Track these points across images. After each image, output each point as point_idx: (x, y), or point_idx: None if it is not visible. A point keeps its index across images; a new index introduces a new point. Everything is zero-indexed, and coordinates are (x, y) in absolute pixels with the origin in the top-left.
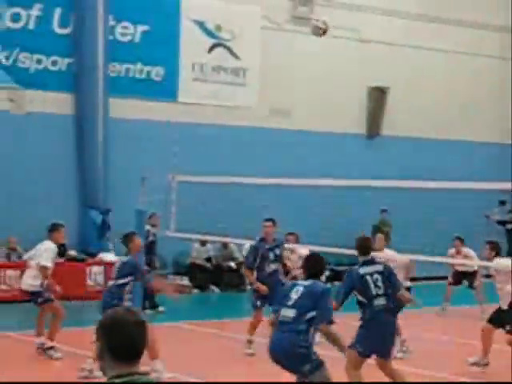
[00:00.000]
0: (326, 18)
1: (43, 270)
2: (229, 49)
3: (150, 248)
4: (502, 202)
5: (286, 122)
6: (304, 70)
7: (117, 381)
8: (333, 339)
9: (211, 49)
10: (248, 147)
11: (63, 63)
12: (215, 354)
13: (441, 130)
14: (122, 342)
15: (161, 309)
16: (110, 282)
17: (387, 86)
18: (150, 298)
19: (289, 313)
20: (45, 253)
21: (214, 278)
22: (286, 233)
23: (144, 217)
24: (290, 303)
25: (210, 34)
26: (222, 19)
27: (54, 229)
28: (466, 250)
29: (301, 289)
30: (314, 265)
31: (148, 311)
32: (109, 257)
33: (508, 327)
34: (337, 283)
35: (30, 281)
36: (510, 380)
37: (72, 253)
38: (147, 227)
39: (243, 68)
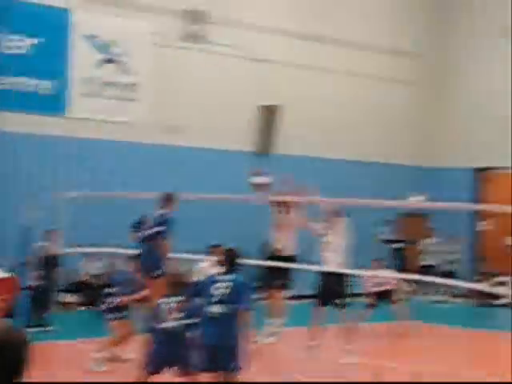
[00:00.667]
0: None
1: None
2: (120, 64)
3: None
4: (388, 222)
5: (178, 138)
6: (196, 87)
7: None
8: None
9: (102, 64)
10: (140, 163)
11: None
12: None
13: (331, 150)
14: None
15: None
16: None
17: (278, 105)
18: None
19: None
20: None
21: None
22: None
23: (29, 233)
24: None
25: (101, 48)
26: (114, 34)
27: None
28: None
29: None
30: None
31: (33, 329)
32: None
33: None
34: None
35: None
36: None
37: None
38: (41, 243)
39: (135, 83)
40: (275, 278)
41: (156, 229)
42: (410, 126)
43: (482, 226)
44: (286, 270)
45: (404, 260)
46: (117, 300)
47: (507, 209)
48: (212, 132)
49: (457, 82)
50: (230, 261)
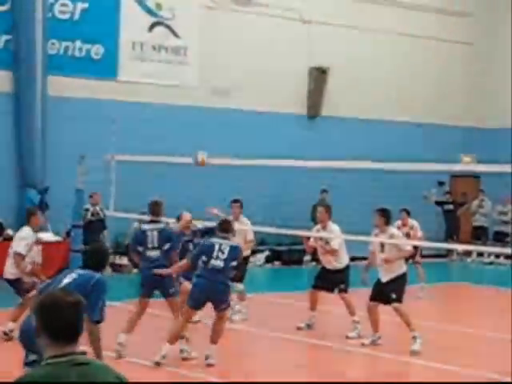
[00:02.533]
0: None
1: (16, 257)
2: (169, 27)
3: (91, 226)
4: (441, 183)
5: (227, 101)
6: (245, 50)
7: (51, 361)
8: (93, 340)
9: (151, 27)
10: (189, 127)
11: (1, 40)
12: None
13: (380, 111)
14: (60, 323)
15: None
16: None
17: (327, 66)
18: None
19: None
20: (20, 240)
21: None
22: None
23: (82, 196)
24: None
25: (150, 12)
26: None
27: (29, 214)
28: (412, 221)
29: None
30: (92, 256)
31: None
32: (47, 236)
33: (392, 295)
34: (277, 263)
35: (10, 269)
36: None
37: (10, 232)
38: (87, 206)
39: (185, 47)
40: None
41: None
42: (462, 87)
43: None
44: None
45: (456, 221)
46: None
47: None
48: (262, 94)
49: (509, 42)
50: (87, 258)
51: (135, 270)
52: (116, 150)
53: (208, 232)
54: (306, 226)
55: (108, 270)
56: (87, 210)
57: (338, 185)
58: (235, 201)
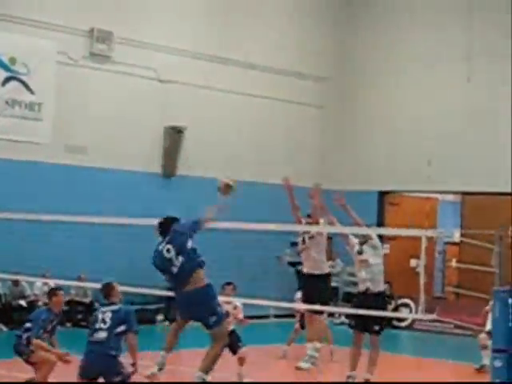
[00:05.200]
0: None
1: None
2: (23, 83)
3: None
4: (294, 243)
5: (81, 159)
6: (101, 108)
7: None
8: None
9: (5, 82)
10: (43, 184)
11: None
12: None
13: (235, 171)
14: None
15: None
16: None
17: (184, 126)
18: None
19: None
20: None
21: (2, 316)
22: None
23: None
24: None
25: (4, 66)
26: (17, 52)
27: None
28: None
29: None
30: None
31: None
32: None
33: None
34: None
35: None
36: None
37: None
38: None
39: (39, 103)
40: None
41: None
42: (314, 149)
43: (386, 248)
44: None
45: None
46: None
47: (409, 232)
48: (117, 153)
49: (362, 107)
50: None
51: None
52: None
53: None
54: (160, 285)
55: None
56: None
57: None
58: (228, 284)
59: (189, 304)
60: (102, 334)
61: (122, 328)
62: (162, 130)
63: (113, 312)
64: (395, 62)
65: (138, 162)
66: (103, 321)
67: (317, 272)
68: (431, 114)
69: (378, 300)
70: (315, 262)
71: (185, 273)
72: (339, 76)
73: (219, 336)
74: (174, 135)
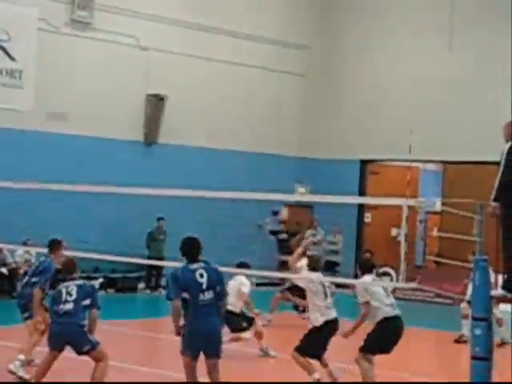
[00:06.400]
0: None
1: None
2: (4, 50)
3: None
4: (275, 213)
5: (62, 126)
6: (82, 75)
7: None
8: None
9: None
10: (24, 151)
11: None
12: None
13: (215, 139)
14: None
15: None
16: None
17: (165, 94)
18: None
19: None
20: None
21: None
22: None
23: None
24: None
25: None
26: None
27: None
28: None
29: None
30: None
31: None
32: None
33: None
34: (110, 290)
35: None
36: None
37: None
38: None
39: (20, 70)
40: None
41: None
42: (296, 118)
43: (368, 217)
44: None
45: (289, 250)
46: None
47: (391, 201)
48: (98, 120)
49: (344, 74)
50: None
51: None
52: None
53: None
54: (141, 253)
55: None
56: None
57: (175, 213)
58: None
59: None
60: (69, 306)
61: (87, 302)
62: (144, 97)
63: (77, 286)
64: (377, 31)
65: (120, 129)
66: (69, 294)
67: None
68: (413, 83)
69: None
70: None
71: None
72: (321, 45)
73: None
74: (156, 103)
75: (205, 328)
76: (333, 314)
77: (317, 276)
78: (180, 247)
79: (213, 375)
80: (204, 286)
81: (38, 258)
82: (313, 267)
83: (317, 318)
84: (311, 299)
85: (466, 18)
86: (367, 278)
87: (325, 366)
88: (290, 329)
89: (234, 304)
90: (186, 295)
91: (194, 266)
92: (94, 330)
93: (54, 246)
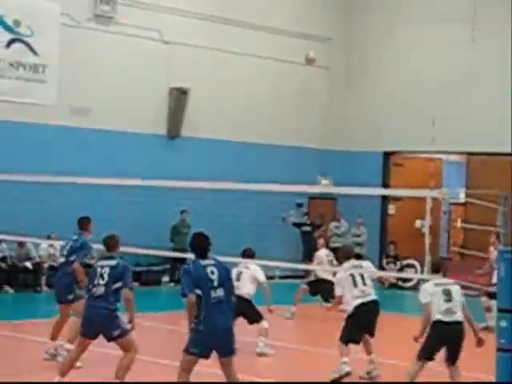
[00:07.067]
0: None
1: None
2: (28, 44)
3: None
4: (299, 205)
5: (86, 120)
6: (105, 69)
7: None
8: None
9: (9, 44)
10: (48, 146)
11: None
12: (13, 357)
13: (240, 133)
14: None
15: None
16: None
17: (188, 87)
18: None
19: None
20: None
21: (8, 277)
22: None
23: None
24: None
25: (8, 28)
26: (21, 14)
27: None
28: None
29: None
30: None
31: None
32: None
33: None
34: (135, 284)
35: None
36: None
37: None
38: None
39: (43, 64)
40: None
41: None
42: (319, 110)
43: (392, 209)
44: None
45: (314, 243)
46: None
47: (414, 193)
48: (122, 114)
49: (367, 67)
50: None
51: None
52: None
53: None
54: (165, 246)
55: None
56: None
57: (199, 206)
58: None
59: None
60: (101, 289)
61: (118, 284)
62: (167, 91)
63: (111, 268)
64: (399, 23)
65: (143, 123)
66: (101, 276)
67: None
68: (435, 75)
69: None
70: None
71: None
72: (344, 37)
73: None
74: (179, 96)
75: (219, 325)
76: (367, 298)
77: (344, 267)
78: (189, 243)
79: (230, 373)
80: (215, 283)
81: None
82: (346, 257)
83: (349, 306)
84: (342, 290)
85: (489, 8)
86: (346, 266)
87: (368, 353)
88: (314, 321)
89: (249, 293)
90: (198, 291)
91: (206, 261)
92: (132, 312)
93: (84, 223)
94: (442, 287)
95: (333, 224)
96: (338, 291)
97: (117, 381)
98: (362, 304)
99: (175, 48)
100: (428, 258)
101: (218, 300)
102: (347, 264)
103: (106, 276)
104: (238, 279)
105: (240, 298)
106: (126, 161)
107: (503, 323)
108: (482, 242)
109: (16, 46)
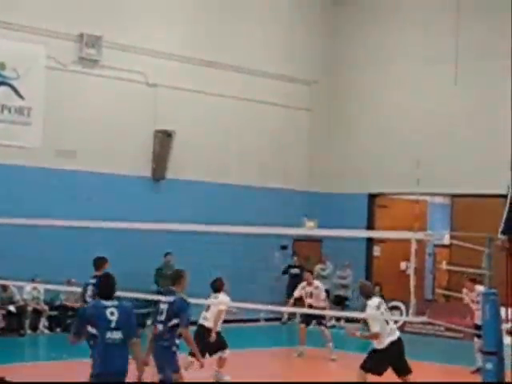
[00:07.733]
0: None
1: None
2: (13, 87)
3: None
4: (283, 247)
5: (71, 162)
6: (90, 112)
7: None
8: None
9: None
10: (33, 188)
11: None
12: None
13: (224, 175)
14: None
15: None
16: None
17: (173, 130)
18: None
19: None
20: None
21: None
22: None
23: None
24: None
25: None
26: (7, 57)
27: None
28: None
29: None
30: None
31: None
32: None
33: None
34: None
35: None
36: None
37: None
38: None
39: (29, 107)
40: None
41: None
42: (303, 152)
43: (377, 251)
44: None
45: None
46: None
47: (399, 235)
48: (107, 156)
49: (351, 109)
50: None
51: None
52: None
53: None
54: (149, 289)
55: None
56: None
57: (184, 248)
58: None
59: None
60: (160, 327)
61: (174, 321)
62: (152, 133)
63: (169, 304)
64: (383, 64)
65: (128, 165)
66: (161, 313)
67: None
68: (419, 115)
69: None
70: None
71: None
72: (327, 79)
73: None
74: (164, 139)
75: (113, 368)
76: (397, 335)
77: (372, 302)
78: (96, 283)
79: None
80: (113, 325)
81: (46, 295)
82: (367, 295)
83: (381, 343)
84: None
85: (472, 49)
86: (374, 302)
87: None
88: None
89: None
90: (93, 330)
91: (108, 302)
92: (196, 352)
93: (99, 263)
94: None
95: (318, 266)
96: (375, 328)
97: None
98: (395, 341)
99: (160, 91)
100: (414, 301)
101: (113, 342)
102: (374, 301)
103: (164, 312)
104: (207, 310)
105: (205, 328)
106: (112, 203)
107: (489, 365)
108: None
109: (1, 88)
